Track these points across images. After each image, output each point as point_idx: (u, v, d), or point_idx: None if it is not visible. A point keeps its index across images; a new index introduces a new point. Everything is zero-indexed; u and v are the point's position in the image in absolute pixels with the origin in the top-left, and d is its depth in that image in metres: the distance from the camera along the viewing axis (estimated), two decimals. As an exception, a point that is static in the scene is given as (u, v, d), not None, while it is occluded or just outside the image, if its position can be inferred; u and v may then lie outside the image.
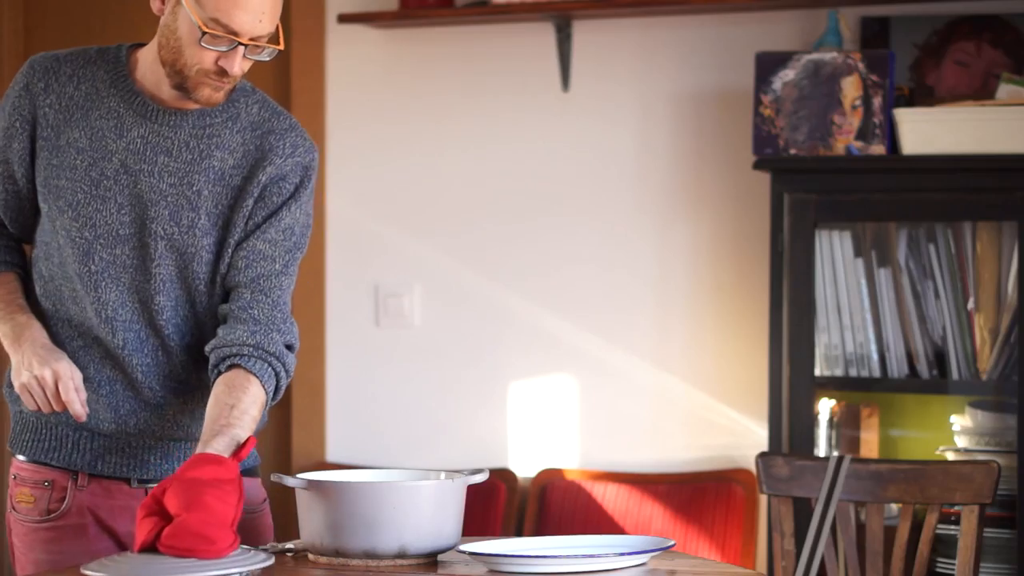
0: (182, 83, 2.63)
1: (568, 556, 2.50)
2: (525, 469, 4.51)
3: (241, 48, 2.58)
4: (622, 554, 2.52)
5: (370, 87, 4.65)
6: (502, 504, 4.44)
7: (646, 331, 4.42)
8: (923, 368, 3.91)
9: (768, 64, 3.98)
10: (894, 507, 3.79)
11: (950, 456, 3.87)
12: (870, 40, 4.15)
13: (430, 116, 4.58)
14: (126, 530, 2.73)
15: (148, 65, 2.69)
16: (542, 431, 4.52)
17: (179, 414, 2.77)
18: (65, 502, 2.72)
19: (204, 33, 2.55)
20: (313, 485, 2.58)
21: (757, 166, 3.96)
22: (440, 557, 2.62)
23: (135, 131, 2.68)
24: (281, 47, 2.63)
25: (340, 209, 4.67)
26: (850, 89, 3.92)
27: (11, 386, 2.73)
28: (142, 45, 2.74)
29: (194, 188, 2.68)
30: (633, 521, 4.31)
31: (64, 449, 2.74)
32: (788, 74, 3.96)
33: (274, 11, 2.60)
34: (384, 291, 4.64)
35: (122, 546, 2.73)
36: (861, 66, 3.91)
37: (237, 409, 2.59)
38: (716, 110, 4.34)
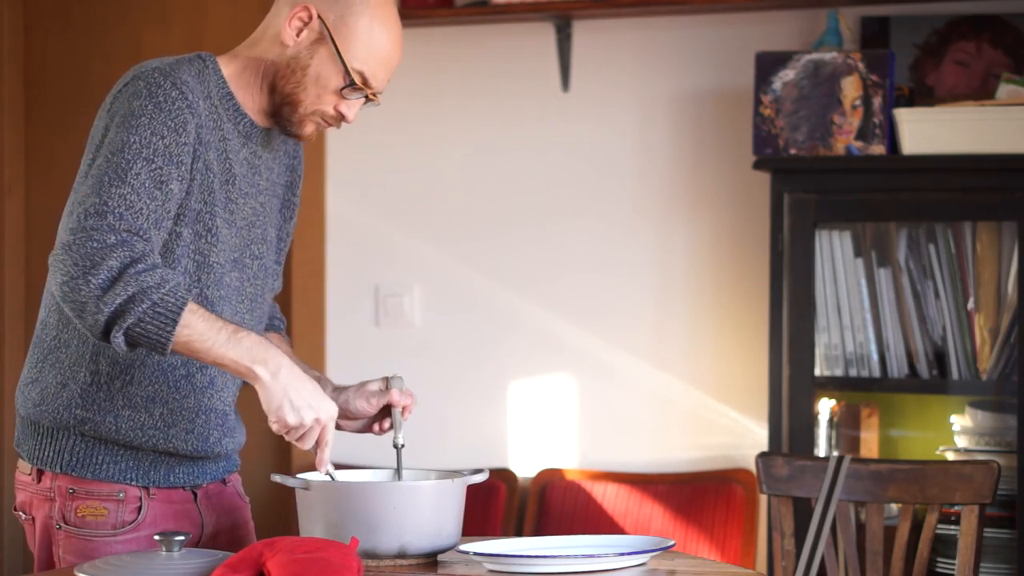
0: (288, 115, 2.59)
1: (568, 556, 2.50)
2: (525, 469, 4.51)
3: (363, 99, 2.60)
4: (622, 554, 2.52)
5: (370, 87, 4.64)
6: (502, 504, 4.43)
7: (646, 331, 4.42)
8: (923, 368, 3.91)
9: (768, 64, 3.98)
10: (894, 507, 3.78)
11: (950, 456, 3.87)
12: (870, 40, 4.15)
13: (430, 116, 4.58)
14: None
15: (245, 85, 2.62)
16: (542, 431, 4.52)
17: (238, 432, 2.77)
18: (140, 513, 2.66)
19: (349, 83, 2.55)
20: (313, 485, 2.58)
21: (757, 166, 3.96)
22: (440, 557, 2.62)
23: (242, 152, 2.62)
24: (379, 102, 2.63)
25: (340, 209, 4.67)
26: (850, 89, 3.91)
27: (50, 412, 2.63)
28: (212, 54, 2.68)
29: (270, 206, 2.70)
30: (633, 521, 4.31)
31: (141, 468, 2.66)
32: (788, 74, 3.96)
33: None
34: (384, 291, 4.64)
35: None
36: (861, 66, 3.91)
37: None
38: (716, 110, 4.33)
